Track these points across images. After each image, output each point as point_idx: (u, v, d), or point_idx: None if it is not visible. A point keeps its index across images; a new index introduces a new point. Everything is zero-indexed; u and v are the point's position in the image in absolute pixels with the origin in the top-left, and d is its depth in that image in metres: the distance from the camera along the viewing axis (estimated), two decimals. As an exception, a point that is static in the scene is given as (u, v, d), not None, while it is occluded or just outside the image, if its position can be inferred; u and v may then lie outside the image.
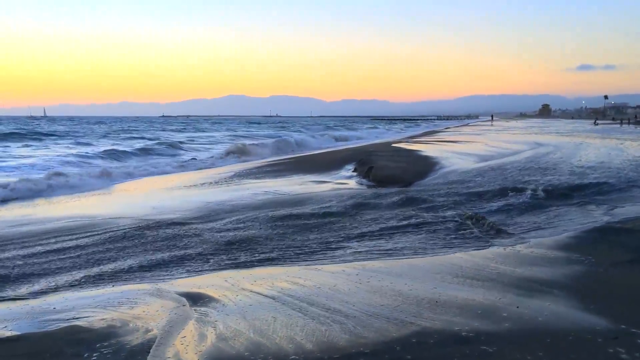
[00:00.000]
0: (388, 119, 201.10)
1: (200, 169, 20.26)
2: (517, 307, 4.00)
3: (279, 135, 45.29)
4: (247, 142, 32.98)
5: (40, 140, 40.77)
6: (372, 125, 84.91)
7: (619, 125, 54.37)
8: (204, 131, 67.97)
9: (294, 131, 62.42)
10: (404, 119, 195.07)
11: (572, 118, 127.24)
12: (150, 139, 43.14)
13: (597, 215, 7.50)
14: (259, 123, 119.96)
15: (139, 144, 34.88)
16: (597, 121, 73.79)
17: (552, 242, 5.99)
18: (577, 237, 6.18)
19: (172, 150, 31.04)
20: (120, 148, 30.53)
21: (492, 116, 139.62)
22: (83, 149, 30.66)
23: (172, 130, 67.44)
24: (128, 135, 52.24)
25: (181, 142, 37.74)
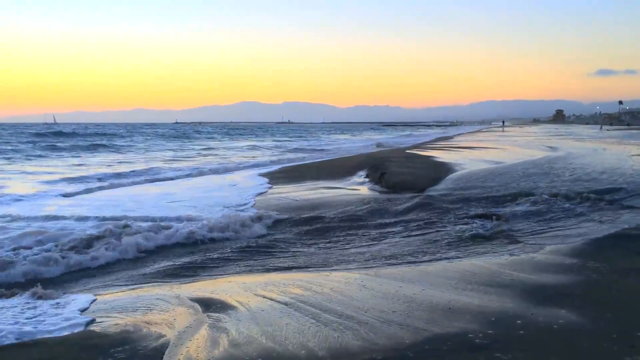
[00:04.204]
0: (401, 125, 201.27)
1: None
2: (532, 314, 3.96)
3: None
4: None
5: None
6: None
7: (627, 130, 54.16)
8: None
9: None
10: (415, 125, 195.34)
11: (587, 124, 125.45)
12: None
13: (613, 221, 7.41)
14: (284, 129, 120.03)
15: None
16: (603, 126, 73.46)
17: (567, 249, 5.93)
18: (592, 243, 6.11)
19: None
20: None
21: (503, 122, 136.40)
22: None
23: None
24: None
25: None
